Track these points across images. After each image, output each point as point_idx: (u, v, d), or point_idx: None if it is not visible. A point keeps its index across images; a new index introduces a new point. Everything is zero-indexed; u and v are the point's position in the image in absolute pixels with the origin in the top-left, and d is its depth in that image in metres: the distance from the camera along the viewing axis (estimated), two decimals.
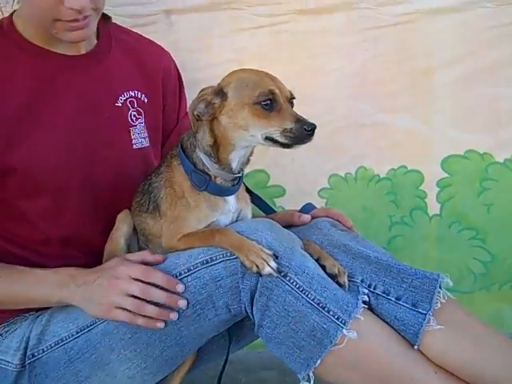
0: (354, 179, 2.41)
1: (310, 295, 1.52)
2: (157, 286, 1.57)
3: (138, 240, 1.78)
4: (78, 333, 1.64)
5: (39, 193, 1.71)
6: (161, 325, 1.58)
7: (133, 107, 1.86)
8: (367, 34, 2.36)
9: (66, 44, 1.72)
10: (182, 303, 1.56)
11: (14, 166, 1.66)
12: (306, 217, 1.81)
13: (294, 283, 1.52)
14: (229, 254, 1.55)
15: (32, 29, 1.71)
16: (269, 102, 1.54)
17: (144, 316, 1.57)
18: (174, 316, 1.57)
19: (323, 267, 1.60)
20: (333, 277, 1.58)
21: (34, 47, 1.72)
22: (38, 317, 1.72)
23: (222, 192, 1.65)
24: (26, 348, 1.67)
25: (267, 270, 1.50)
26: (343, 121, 2.38)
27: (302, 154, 2.36)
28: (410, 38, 2.37)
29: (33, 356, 1.66)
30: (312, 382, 1.54)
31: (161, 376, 1.72)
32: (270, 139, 1.55)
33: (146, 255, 1.64)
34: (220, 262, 1.55)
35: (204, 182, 1.63)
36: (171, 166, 1.69)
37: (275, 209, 2.00)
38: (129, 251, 1.74)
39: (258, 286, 1.53)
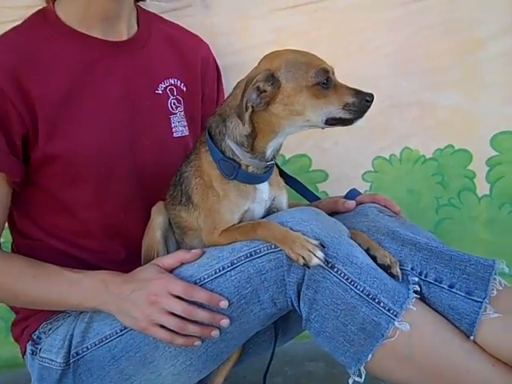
0: (399, 161, 2.34)
1: (359, 286, 1.46)
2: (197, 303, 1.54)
3: (174, 232, 1.74)
4: (121, 331, 1.61)
5: (81, 181, 1.69)
6: (198, 343, 1.55)
7: (172, 95, 1.84)
8: (410, 7, 2.26)
9: (107, 28, 1.73)
10: (225, 322, 1.53)
11: (57, 154, 1.65)
12: (351, 203, 1.75)
13: (342, 274, 1.47)
14: (273, 247, 1.50)
15: (75, 14, 1.71)
16: (325, 80, 1.50)
17: (184, 335, 1.54)
18: (215, 334, 1.54)
19: (374, 258, 1.53)
20: (385, 267, 1.52)
21: (77, 33, 1.71)
22: (80, 313, 1.70)
23: (253, 180, 1.59)
24: (69, 346, 1.66)
25: (315, 261, 1.43)
26: (387, 100, 2.29)
27: (345, 137, 2.30)
28: (456, 10, 2.27)
29: (77, 354, 1.65)
30: (363, 376, 1.49)
31: (206, 372, 1.70)
32: (331, 119, 1.52)
33: (182, 256, 1.60)
34: (264, 255, 1.50)
35: (233, 170, 1.57)
36: (199, 154, 1.63)
37: (318, 194, 1.94)
38: (166, 244, 1.71)
39: (305, 278, 1.48)
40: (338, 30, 2.28)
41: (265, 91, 1.50)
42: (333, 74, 1.54)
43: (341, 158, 2.32)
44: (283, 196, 1.68)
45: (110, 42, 1.74)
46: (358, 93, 1.51)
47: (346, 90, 1.52)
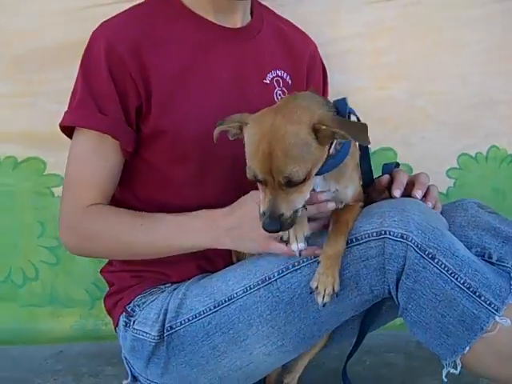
0: (485, 159, 2.32)
1: (459, 279, 1.46)
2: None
3: None
4: (215, 307, 1.63)
5: (186, 159, 1.72)
6: (319, 252, 1.51)
7: (279, 86, 1.86)
8: (503, 4, 2.26)
9: (224, 15, 1.77)
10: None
11: (167, 129, 1.68)
12: (384, 178, 1.67)
13: (443, 266, 1.46)
14: (375, 234, 1.49)
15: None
16: (252, 177, 1.41)
17: None
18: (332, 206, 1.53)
19: None
20: None
21: (194, 15, 1.75)
22: (174, 290, 1.73)
23: None
24: (164, 320, 1.68)
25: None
26: (477, 97, 2.29)
27: (432, 132, 2.30)
28: None
29: (171, 328, 1.67)
30: (459, 368, 1.48)
31: (295, 354, 1.71)
32: None
33: None
34: (366, 242, 1.50)
35: None
36: None
37: None
38: None
39: (405, 267, 1.48)
40: (430, 26, 2.28)
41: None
42: (268, 174, 1.37)
43: (426, 153, 2.31)
44: (348, 188, 1.60)
45: (224, 28, 1.77)
46: (264, 214, 1.38)
47: (263, 199, 1.40)
